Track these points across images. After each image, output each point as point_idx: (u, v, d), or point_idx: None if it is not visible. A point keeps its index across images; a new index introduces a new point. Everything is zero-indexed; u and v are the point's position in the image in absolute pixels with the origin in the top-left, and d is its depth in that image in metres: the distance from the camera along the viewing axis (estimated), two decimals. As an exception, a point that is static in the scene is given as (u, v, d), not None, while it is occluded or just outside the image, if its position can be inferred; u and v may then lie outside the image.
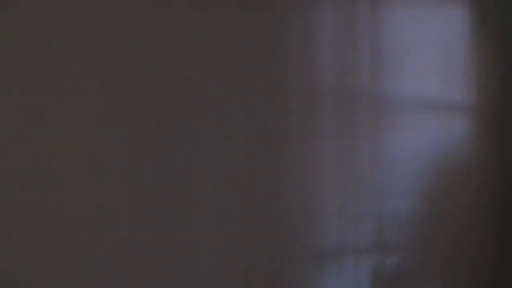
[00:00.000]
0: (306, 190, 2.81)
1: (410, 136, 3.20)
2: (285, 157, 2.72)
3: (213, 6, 2.48)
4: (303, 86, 2.78)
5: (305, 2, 2.77)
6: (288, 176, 2.75)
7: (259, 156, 2.62)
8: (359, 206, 3.01)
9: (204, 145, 2.48)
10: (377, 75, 3.06)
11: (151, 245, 2.36)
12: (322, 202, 2.87)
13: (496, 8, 3.47)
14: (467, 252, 3.41)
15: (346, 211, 2.96)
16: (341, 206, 2.93)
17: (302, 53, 2.77)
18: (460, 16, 3.34)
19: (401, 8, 3.09)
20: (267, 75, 2.66)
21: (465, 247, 3.41)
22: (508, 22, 3.45)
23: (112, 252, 2.27)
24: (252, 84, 2.60)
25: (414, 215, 3.22)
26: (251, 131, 2.61)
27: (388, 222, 3.12)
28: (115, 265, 2.28)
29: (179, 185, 2.42)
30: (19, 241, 2.10)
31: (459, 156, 3.35)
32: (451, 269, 3.35)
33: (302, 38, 2.76)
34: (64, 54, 2.17)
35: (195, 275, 2.47)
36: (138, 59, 2.32)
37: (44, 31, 2.13)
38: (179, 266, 2.43)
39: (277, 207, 2.70)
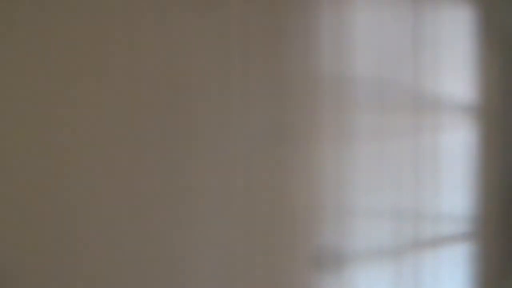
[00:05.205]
0: (336, 190, 2.85)
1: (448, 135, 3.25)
2: (315, 155, 2.76)
3: (213, 6, 2.48)
4: (333, 84, 2.82)
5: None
6: (321, 176, 2.79)
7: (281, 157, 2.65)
8: (397, 206, 3.05)
9: (204, 146, 2.48)
10: (416, 73, 3.11)
11: (151, 245, 2.36)
12: (353, 202, 2.91)
13: (503, 8, 3.46)
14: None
15: (383, 210, 3.00)
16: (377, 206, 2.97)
17: (334, 49, 2.81)
18: (466, 17, 3.35)
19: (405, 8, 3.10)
20: (296, 69, 2.70)
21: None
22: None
23: (111, 251, 2.28)
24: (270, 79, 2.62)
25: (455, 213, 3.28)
26: (264, 131, 2.62)
27: (427, 220, 3.16)
28: (114, 264, 2.29)
29: (178, 186, 2.42)
30: (19, 241, 2.10)
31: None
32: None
33: (331, 34, 2.81)
34: (64, 55, 2.17)
35: (195, 277, 2.47)
36: (137, 59, 2.32)
37: (44, 31, 2.14)
38: (178, 268, 2.43)
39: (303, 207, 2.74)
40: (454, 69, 3.30)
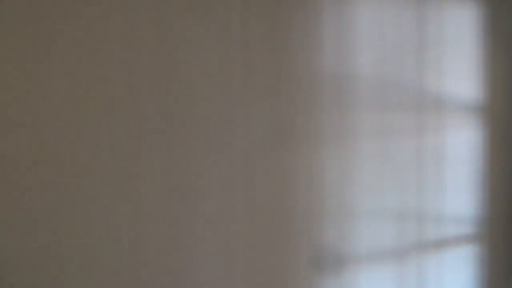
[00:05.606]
0: (338, 190, 2.84)
1: (450, 135, 3.25)
2: (317, 155, 2.73)
3: (213, 6, 2.47)
4: (335, 83, 2.81)
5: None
6: (323, 177, 2.78)
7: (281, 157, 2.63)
8: (400, 207, 3.05)
9: (205, 146, 2.47)
10: (420, 73, 3.10)
11: (151, 246, 2.36)
12: (357, 203, 2.90)
13: (508, 7, 3.46)
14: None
15: (386, 211, 3.00)
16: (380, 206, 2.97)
17: (337, 48, 2.81)
18: (471, 16, 3.34)
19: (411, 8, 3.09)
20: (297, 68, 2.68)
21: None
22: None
23: (111, 252, 2.28)
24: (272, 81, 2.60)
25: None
26: (265, 132, 2.61)
27: (431, 222, 3.15)
28: (114, 264, 2.29)
29: (179, 186, 2.42)
30: (19, 241, 2.09)
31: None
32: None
33: (334, 33, 2.79)
34: (65, 54, 2.18)
35: (196, 277, 2.47)
36: (138, 59, 2.32)
37: (45, 31, 2.13)
38: (178, 268, 2.43)
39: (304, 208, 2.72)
40: (459, 69, 3.30)
